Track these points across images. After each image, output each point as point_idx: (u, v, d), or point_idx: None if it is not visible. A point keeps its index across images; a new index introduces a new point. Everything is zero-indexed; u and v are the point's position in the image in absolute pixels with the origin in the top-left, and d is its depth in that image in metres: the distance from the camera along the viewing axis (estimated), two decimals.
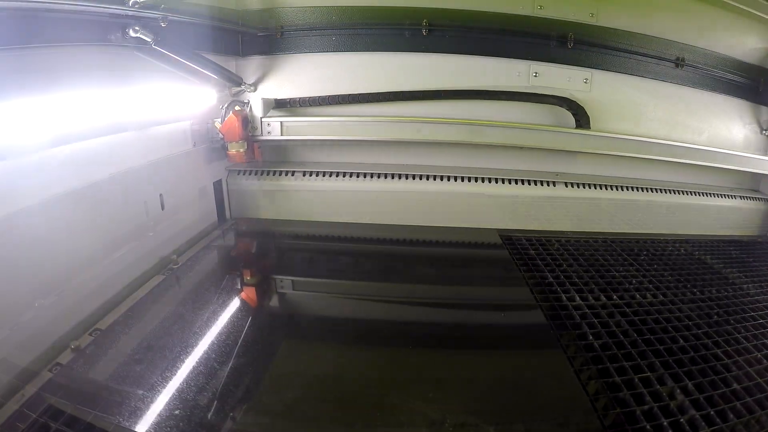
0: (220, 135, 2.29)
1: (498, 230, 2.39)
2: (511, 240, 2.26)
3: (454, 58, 2.42)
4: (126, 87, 1.74)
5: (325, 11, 2.33)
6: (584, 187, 2.52)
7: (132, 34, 1.68)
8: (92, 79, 1.57)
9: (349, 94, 2.41)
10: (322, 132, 2.43)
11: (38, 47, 1.37)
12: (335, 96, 2.40)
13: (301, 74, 2.41)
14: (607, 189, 2.54)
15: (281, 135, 2.42)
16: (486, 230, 2.40)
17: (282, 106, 2.42)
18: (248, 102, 2.39)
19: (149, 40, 1.73)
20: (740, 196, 2.74)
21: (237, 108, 2.29)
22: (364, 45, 2.37)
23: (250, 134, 2.38)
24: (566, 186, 2.50)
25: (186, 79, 2.05)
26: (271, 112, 2.42)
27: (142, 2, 1.66)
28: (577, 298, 1.68)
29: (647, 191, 2.59)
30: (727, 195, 2.72)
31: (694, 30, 2.56)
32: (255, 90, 2.41)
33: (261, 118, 2.39)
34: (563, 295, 1.69)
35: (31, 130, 1.31)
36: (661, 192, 2.61)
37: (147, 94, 1.86)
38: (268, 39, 2.38)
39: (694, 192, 2.68)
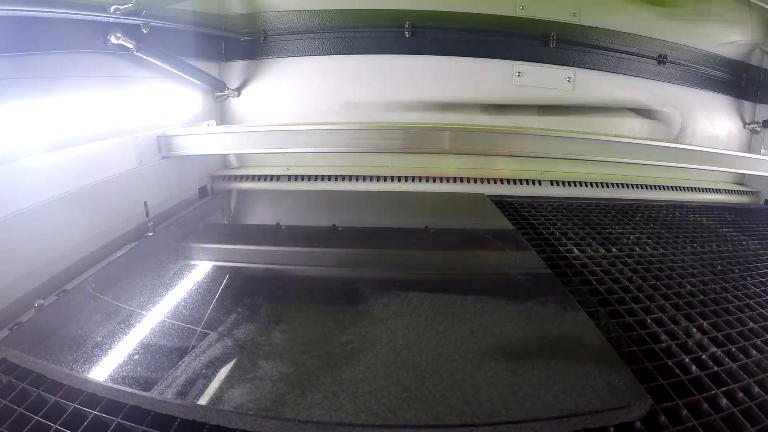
0: None
1: (488, 195, 2.36)
2: (501, 203, 2.26)
3: (437, 59, 2.44)
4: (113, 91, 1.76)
5: (307, 15, 2.35)
6: (569, 185, 2.53)
7: (113, 41, 1.70)
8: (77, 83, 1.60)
9: None
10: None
11: (33, 54, 1.41)
12: None
13: (284, 78, 2.43)
14: (591, 186, 2.55)
15: None
16: (475, 195, 2.39)
17: None
18: None
19: (131, 46, 1.74)
20: (725, 190, 2.76)
21: None
22: (348, 48, 2.39)
23: None
24: (551, 185, 2.52)
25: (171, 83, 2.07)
26: None
27: (123, 9, 1.68)
28: (576, 251, 1.67)
29: (632, 188, 2.60)
30: (713, 189, 2.74)
31: (675, 27, 2.59)
32: (239, 95, 2.43)
33: None
34: (560, 248, 1.69)
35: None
36: (646, 188, 2.63)
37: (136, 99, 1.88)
38: (252, 44, 2.40)
39: (680, 187, 2.69)
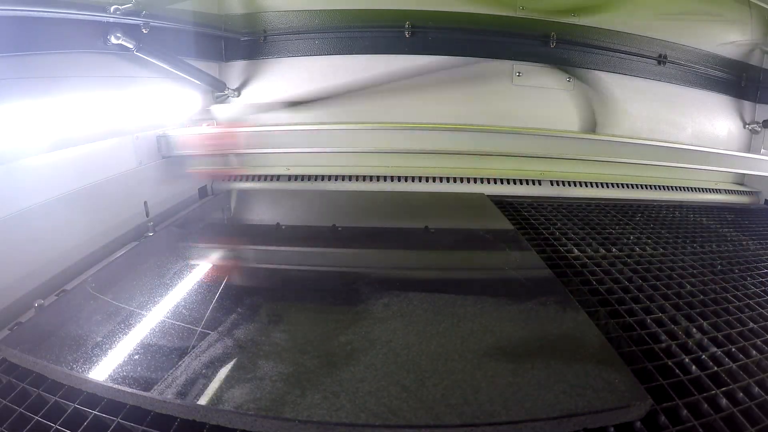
0: None
1: (488, 195, 2.36)
2: (501, 203, 2.26)
3: (437, 59, 2.43)
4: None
5: (307, 15, 2.35)
6: (569, 185, 2.53)
7: (113, 41, 1.70)
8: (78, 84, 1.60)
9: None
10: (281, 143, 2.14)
11: (33, 54, 1.42)
12: None
13: (284, 78, 2.42)
14: (591, 186, 2.55)
15: None
16: (475, 194, 2.39)
17: None
18: None
19: (131, 46, 1.74)
20: (725, 190, 2.76)
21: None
22: (348, 48, 2.39)
23: None
24: (551, 184, 2.52)
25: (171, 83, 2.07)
26: None
27: (123, 9, 1.68)
28: (576, 251, 1.68)
29: (632, 188, 2.60)
30: (713, 189, 2.74)
31: (675, 27, 2.59)
32: (239, 95, 2.43)
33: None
34: (561, 248, 1.69)
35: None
36: (646, 188, 2.63)
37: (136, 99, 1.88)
38: (252, 44, 2.40)
39: (680, 187, 2.69)
